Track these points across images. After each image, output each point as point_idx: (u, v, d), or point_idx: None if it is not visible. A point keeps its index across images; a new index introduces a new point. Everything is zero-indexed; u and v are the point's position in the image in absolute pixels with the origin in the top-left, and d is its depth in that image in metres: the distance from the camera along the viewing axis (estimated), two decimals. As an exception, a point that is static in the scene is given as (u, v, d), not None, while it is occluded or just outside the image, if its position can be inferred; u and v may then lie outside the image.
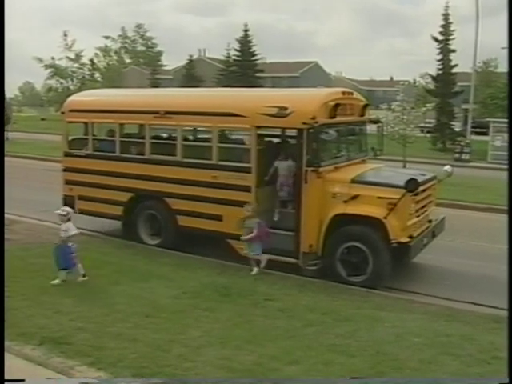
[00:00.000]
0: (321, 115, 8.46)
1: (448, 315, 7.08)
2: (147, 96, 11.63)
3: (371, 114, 12.22)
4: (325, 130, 8.83)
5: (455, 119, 36.24)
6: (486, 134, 32.13)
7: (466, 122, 32.67)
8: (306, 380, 5.33)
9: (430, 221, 9.51)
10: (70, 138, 11.21)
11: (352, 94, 9.81)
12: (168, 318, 6.63)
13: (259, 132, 9.03)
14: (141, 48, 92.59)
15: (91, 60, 67.67)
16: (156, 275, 8.26)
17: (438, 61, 35.21)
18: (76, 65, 61.34)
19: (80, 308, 6.90)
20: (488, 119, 32.80)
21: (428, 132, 36.39)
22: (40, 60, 59.02)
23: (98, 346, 5.82)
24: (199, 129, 10.52)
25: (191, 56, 56.90)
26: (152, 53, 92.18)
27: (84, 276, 7.86)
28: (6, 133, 25.60)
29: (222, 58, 51.02)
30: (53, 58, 58.99)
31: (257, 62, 49.09)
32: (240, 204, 8.68)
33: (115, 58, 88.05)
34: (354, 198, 8.27)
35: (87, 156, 10.75)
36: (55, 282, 7.67)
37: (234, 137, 10.37)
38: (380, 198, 8.13)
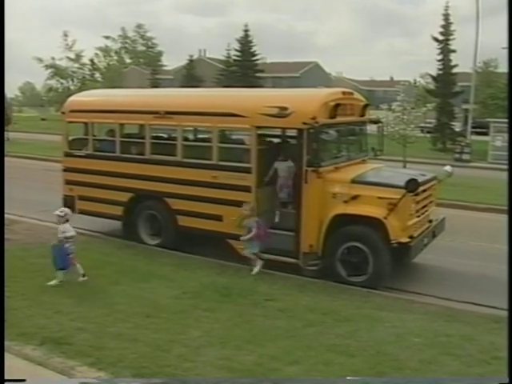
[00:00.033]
0: (321, 115, 8.46)
1: (448, 315, 7.08)
2: (147, 96, 11.63)
3: (371, 114, 12.23)
4: (325, 130, 8.82)
5: (455, 119, 36.24)
6: (486, 134, 32.13)
7: (467, 122, 32.68)
8: (306, 380, 5.33)
9: (430, 221, 9.51)
10: (71, 138, 11.21)
11: (352, 94, 9.81)
12: (168, 318, 6.63)
13: (259, 132, 9.03)
14: (141, 48, 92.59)
15: (91, 60, 67.82)
16: (156, 275, 8.26)
17: (439, 61, 35.24)
18: (76, 65, 61.37)
19: (80, 308, 6.90)
20: (488, 119, 32.83)
21: (428, 132, 36.36)
22: (40, 60, 59.01)
23: (98, 346, 5.83)
24: (199, 129, 10.52)
25: (191, 56, 56.98)
26: (152, 53, 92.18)
27: (84, 276, 7.87)
28: (6, 133, 25.60)
29: (223, 58, 51.03)
30: (53, 58, 59.02)
31: (257, 62, 49.09)
32: (240, 204, 8.67)
33: (115, 58, 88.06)
34: (355, 198, 8.27)
35: (87, 156, 10.75)
36: (53, 282, 7.67)
37: (234, 137, 10.37)
38: (380, 198, 8.13)
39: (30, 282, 7.77)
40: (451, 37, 34.51)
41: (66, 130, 11.14)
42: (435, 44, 34.80)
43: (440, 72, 35.39)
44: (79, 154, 10.89)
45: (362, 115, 9.93)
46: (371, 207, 8.17)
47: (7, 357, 5.26)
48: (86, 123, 10.91)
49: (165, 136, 10.51)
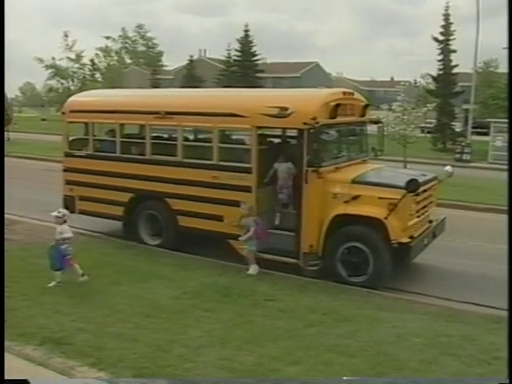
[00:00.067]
0: (321, 115, 8.45)
1: (448, 315, 7.08)
2: (148, 96, 11.62)
3: (372, 114, 12.23)
4: (325, 131, 8.82)
5: (456, 119, 36.27)
6: (486, 134, 32.15)
7: (467, 123, 32.67)
8: (307, 380, 5.33)
9: (430, 221, 9.51)
10: (71, 138, 11.21)
11: (352, 94, 9.81)
12: (169, 319, 6.63)
13: (260, 132, 9.03)
14: (141, 48, 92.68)
15: (92, 60, 67.77)
16: (157, 275, 8.27)
17: (439, 61, 35.26)
18: (77, 65, 61.34)
19: (81, 308, 6.91)
20: (489, 119, 32.82)
21: (429, 132, 36.38)
22: (40, 60, 59.00)
23: (98, 346, 5.83)
24: (200, 129, 10.52)
25: (192, 56, 56.99)
26: (152, 53, 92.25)
27: (83, 275, 7.86)
28: (6, 133, 25.64)
29: (223, 58, 51.05)
30: (53, 59, 59.04)
31: (257, 62, 49.10)
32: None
33: (116, 58, 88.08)
34: (355, 198, 8.27)
35: (88, 156, 10.75)
36: (52, 284, 7.67)
37: (234, 137, 10.37)
38: (381, 198, 8.13)
39: (31, 282, 7.77)
40: (451, 37, 34.55)
41: (67, 130, 11.14)
42: (435, 44, 34.88)
43: (440, 72, 35.42)
44: (79, 154, 10.89)
45: (363, 115, 9.93)
46: (372, 207, 8.17)
47: (7, 357, 5.27)
48: (86, 123, 10.91)
49: (165, 136, 10.52)
